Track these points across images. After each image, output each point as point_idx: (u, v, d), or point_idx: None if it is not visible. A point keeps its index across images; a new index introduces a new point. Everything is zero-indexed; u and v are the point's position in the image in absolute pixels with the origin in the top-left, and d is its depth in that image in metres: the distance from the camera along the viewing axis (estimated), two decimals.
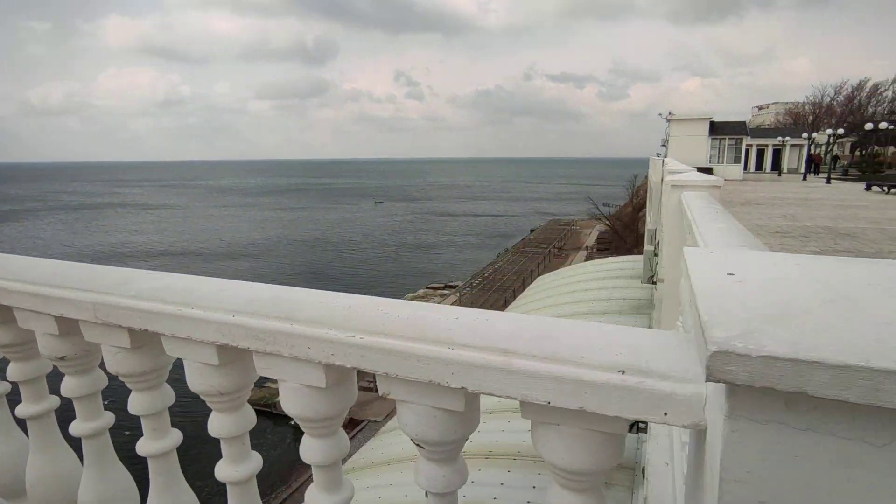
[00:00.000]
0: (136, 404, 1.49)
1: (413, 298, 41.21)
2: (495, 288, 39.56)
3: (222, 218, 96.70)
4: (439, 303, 36.86)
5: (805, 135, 27.38)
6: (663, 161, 19.19)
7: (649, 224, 18.73)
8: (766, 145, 29.47)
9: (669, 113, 22.73)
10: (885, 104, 42.72)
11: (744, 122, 26.33)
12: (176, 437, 1.58)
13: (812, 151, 27.91)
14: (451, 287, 42.16)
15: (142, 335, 1.34)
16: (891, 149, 31.41)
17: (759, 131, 31.88)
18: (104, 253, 62.56)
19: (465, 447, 1.20)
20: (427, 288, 42.51)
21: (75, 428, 1.66)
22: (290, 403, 1.17)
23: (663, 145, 32.92)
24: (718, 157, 25.73)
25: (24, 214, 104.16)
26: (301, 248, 66.84)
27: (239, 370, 1.29)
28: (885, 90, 43.34)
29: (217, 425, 1.39)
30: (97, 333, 1.39)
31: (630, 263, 19.09)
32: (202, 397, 1.36)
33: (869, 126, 21.84)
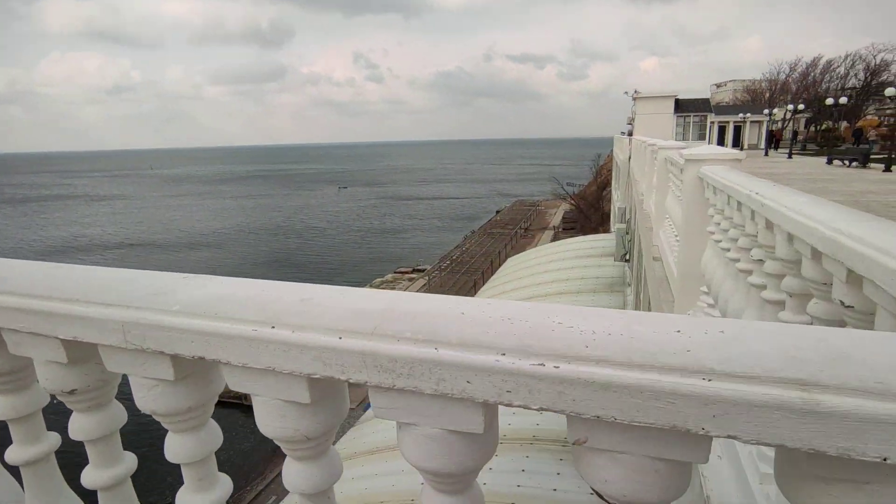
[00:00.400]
0: (175, 448, 1.14)
1: (381, 283, 40.93)
2: (464, 270, 39.59)
3: (180, 207, 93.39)
4: (408, 287, 36.63)
5: (766, 111, 28.19)
6: (630, 140, 19.45)
7: (618, 202, 18.98)
8: (728, 122, 30.25)
9: (635, 91, 22.95)
10: (837, 80, 44.45)
11: (707, 100, 26.88)
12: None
13: (772, 128, 28.81)
14: (419, 271, 41.98)
15: (191, 363, 1.01)
16: (844, 123, 32.72)
17: (720, 108, 32.56)
18: (55, 248, 59.56)
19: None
20: (395, 273, 42.22)
21: (86, 477, 1.29)
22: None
23: (629, 123, 33.32)
24: (684, 134, 26.28)
25: None
26: (264, 236, 65.29)
27: (329, 407, 0.98)
28: (838, 66, 45.14)
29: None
30: (126, 362, 1.03)
31: (600, 242, 19.31)
32: (281, 445, 1.05)
33: (830, 101, 22.56)
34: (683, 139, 25.76)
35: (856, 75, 41.72)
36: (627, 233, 13.03)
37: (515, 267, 18.41)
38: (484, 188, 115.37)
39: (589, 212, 54.97)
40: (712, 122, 27.46)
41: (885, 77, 38.85)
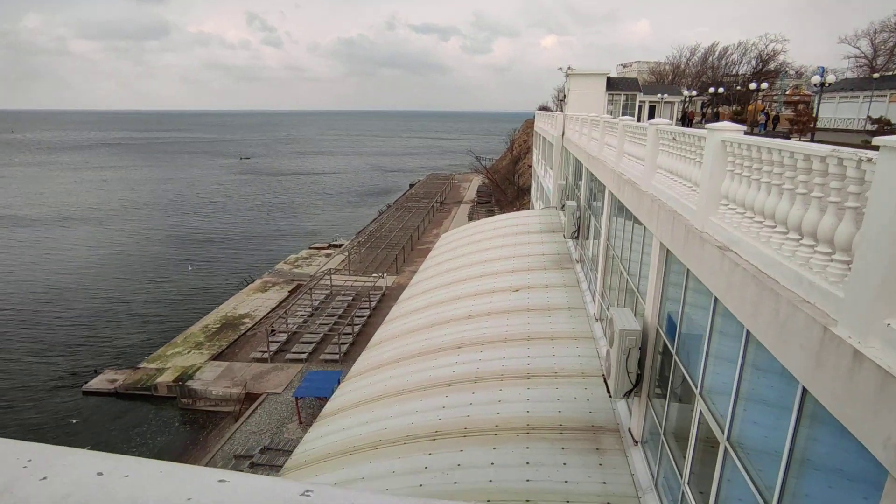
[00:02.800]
0: None
1: (296, 260, 39.05)
2: (384, 245, 38.74)
3: (49, 178, 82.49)
4: (325, 263, 35.20)
5: (686, 91, 30.05)
6: (563, 116, 19.58)
7: (555, 180, 19.20)
8: (644, 102, 31.78)
9: (569, 67, 23.12)
10: (731, 66, 48.75)
11: (636, 80, 27.88)
12: None
13: (686, 108, 30.81)
14: (335, 246, 40.48)
15: None
16: (735, 107, 35.90)
17: (645, 88, 34.23)
18: None
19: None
20: (310, 248, 40.37)
21: None
22: None
23: (562, 99, 33.80)
24: (615, 112, 27.12)
25: None
26: (156, 211, 59.51)
27: None
28: (732, 53, 49.53)
29: None
30: None
31: (532, 219, 19.44)
32: None
33: (753, 86, 24.46)
34: (614, 117, 26.59)
35: (749, 62, 46.14)
36: (578, 209, 13.07)
37: (452, 244, 18.06)
38: (394, 161, 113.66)
39: (504, 185, 56.00)
40: (642, 102, 28.75)
41: (773, 66, 43.23)
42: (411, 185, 70.24)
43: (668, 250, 5.52)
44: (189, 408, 20.49)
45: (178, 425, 20.10)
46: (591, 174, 11.74)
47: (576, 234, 13.14)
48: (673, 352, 5.17)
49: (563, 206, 15.33)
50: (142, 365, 22.86)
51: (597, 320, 9.18)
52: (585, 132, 13.37)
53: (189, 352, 23.35)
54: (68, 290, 33.50)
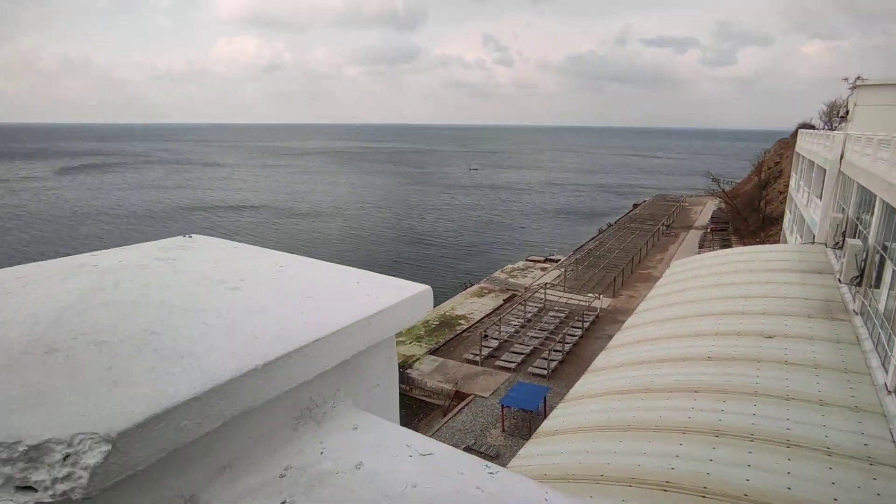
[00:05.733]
0: None
1: (512, 270, 40.19)
2: (602, 265, 37.37)
3: (314, 181, 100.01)
4: (541, 277, 35.40)
5: None
6: (844, 136, 16.29)
7: (828, 211, 16.10)
8: None
9: (857, 77, 19.12)
10: None
11: None
12: None
13: None
14: (551, 260, 40.48)
15: None
16: None
17: None
18: (193, 205, 66.82)
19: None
20: (527, 260, 41.12)
21: None
22: None
23: (839, 115, 28.49)
24: None
25: (131, 167, 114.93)
26: (392, 213, 67.45)
27: None
28: None
29: None
30: None
31: (794, 254, 16.59)
32: None
33: None
34: None
35: None
36: (863, 250, 10.69)
37: (685, 273, 16.43)
38: (618, 179, 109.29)
39: (745, 212, 49.24)
40: None
41: None
42: (635, 206, 66.54)
43: None
44: (405, 393, 22.52)
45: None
46: (892, 208, 9.44)
47: (857, 280, 10.74)
48: None
49: (839, 243, 12.69)
50: None
51: (889, 392, 7.31)
52: (885, 157, 10.83)
53: (411, 342, 25.70)
54: None
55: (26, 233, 46.10)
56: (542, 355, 22.85)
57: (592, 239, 47.84)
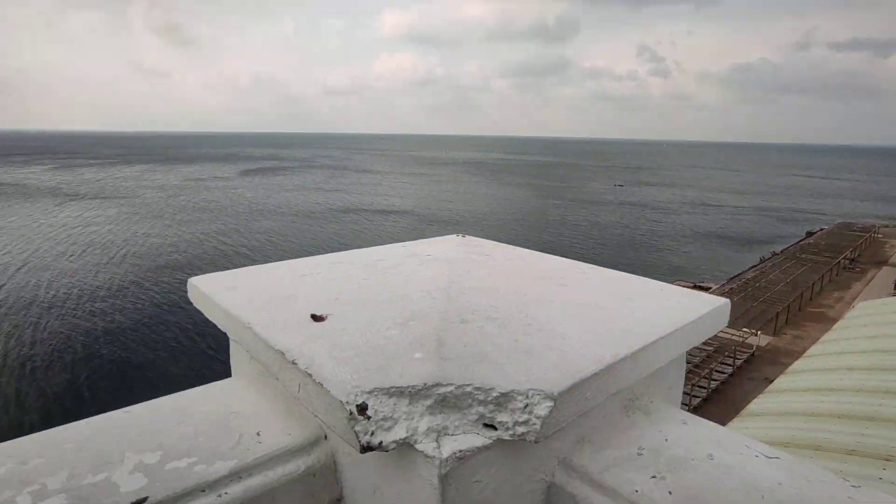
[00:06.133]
0: None
1: None
2: (762, 298, 33.26)
3: (457, 191, 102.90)
4: None
5: None
6: None
7: None
8: None
9: None
10: None
11: None
12: None
13: None
14: (701, 288, 36.99)
15: None
16: None
17: None
18: (345, 207, 72.10)
19: None
20: (675, 284, 38.07)
21: None
22: None
23: None
24: None
25: (297, 171, 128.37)
26: (532, 227, 66.90)
27: None
28: None
29: None
30: None
31: None
32: None
33: None
34: None
35: None
36: None
37: (876, 317, 13.88)
38: (790, 202, 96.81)
39: None
40: None
41: None
42: (809, 234, 58.28)
43: None
44: None
45: None
46: None
47: None
48: None
49: None
50: None
51: None
52: None
53: None
54: None
55: (214, 224, 53.71)
56: (684, 390, 20.89)
57: (752, 268, 42.78)
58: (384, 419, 0.82)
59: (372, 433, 0.80)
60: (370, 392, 0.84)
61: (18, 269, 23.92)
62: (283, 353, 0.96)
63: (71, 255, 26.43)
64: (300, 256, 1.57)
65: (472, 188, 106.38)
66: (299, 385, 0.92)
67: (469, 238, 1.95)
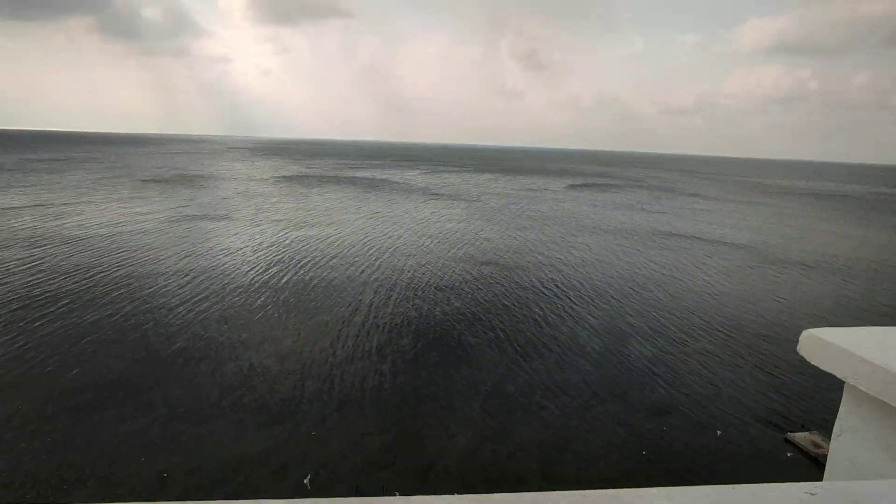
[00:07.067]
0: None
1: None
2: None
3: (803, 227, 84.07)
4: None
5: None
6: None
7: None
8: None
9: None
10: None
11: None
12: None
13: None
14: None
15: None
16: None
17: None
18: (668, 231, 66.06)
19: None
20: None
21: None
22: None
23: None
24: None
25: (623, 189, 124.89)
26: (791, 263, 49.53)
27: None
28: None
29: None
30: None
31: None
32: None
33: None
34: None
35: None
36: None
37: None
38: None
39: None
40: None
41: None
42: None
43: None
44: None
45: None
46: None
47: None
48: None
49: None
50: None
51: None
52: None
53: None
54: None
55: (535, 233, 58.07)
56: None
57: None
58: None
59: None
60: None
61: (388, 250, 30.23)
62: None
63: (426, 244, 32.27)
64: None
65: (816, 224, 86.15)
66: None
67: None
